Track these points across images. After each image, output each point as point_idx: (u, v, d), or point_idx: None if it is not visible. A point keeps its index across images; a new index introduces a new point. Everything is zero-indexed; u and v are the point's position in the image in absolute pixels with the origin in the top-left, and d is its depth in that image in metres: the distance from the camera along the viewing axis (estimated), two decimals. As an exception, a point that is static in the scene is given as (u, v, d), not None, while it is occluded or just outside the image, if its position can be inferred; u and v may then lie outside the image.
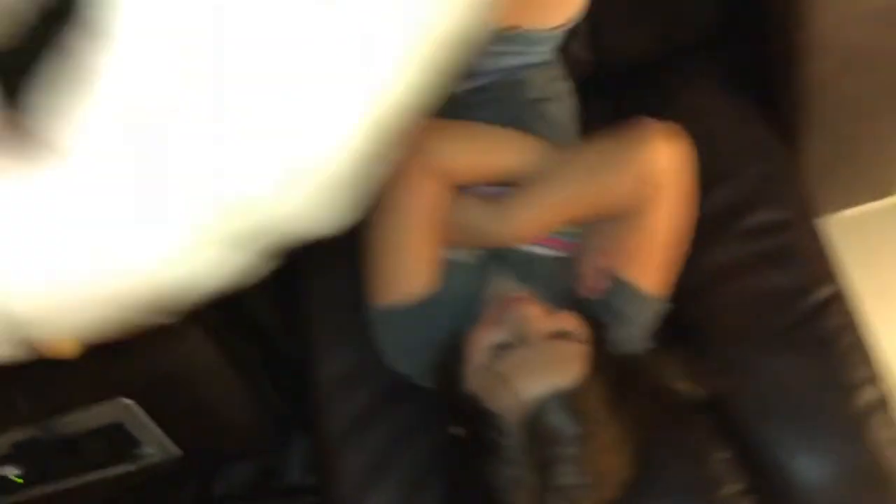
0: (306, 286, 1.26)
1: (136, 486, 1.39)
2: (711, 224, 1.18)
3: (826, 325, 1.10)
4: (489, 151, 1.05)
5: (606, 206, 1.02)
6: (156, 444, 1.28)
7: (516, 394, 0.91)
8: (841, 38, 1.08)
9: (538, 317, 0.96)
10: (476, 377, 0.96)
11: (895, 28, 1.07)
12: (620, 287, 1.02)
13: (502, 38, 1.08)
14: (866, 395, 1.07)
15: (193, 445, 1.30)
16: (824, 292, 1.12)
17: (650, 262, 1.03)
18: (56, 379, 1.11)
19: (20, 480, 1.24)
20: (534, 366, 0.93)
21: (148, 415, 1.23)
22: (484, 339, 0.97)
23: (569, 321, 0.97)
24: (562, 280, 1.05)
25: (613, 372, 0.95)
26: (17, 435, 1.22)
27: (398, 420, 1.15)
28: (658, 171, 1.00)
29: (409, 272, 1.04)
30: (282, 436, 1.40)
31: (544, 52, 1.14)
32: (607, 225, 1.03)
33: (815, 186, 1.23)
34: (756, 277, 1.15)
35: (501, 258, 1.06)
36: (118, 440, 1.23)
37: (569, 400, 0.90)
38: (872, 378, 1.08)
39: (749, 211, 1.18)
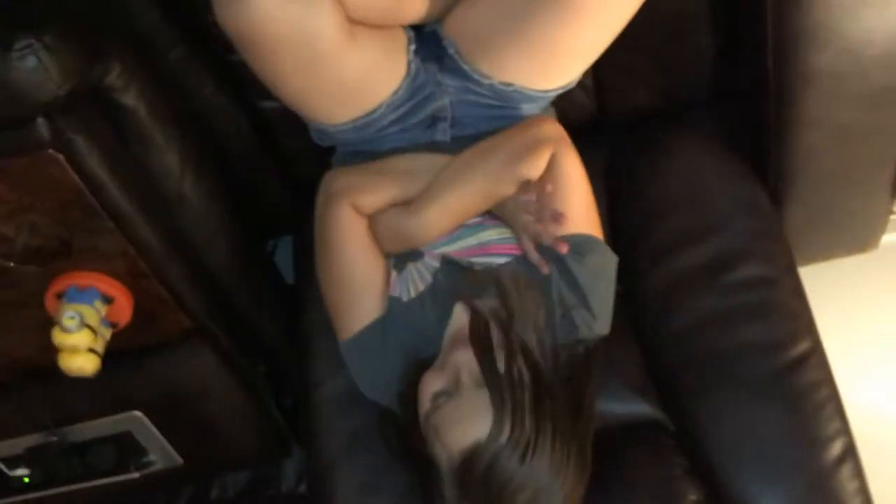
0: (307, 311, 1.32)
1: (134, 488, 1.45)
2: (697, 275, 1.24)
3: (801, 380, 1.16)
4: (396, 181, 1.09)
5: (507, 179, 1.06)
6: (160, 454, 1.33)
7: (444, 445, 0.95)
8: (829, 116, 1.13)
9: (472, 363, 0.97)
10: (423, 424, 0.99)
11: (880, 108, 1.13)
12: (567, 243, 1.03)
13: (496, 91, 1.12)
14: (835, 448, 1.13)
15: (196, 456, 1.36)
16: (801, 348, 1.18)
17: (580, 208, 1.07)
18: (74, 391, 1.17)
19: (27, 480, 1.29)
20: (459, 417, 0.94)
21: (156, 426, 1.29)
22: (428, 388, 0.99)
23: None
24: (531, 274, 1.06)
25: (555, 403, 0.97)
26: (31, 440, 1.27)
27: (391, 443, 1.20)
28: (547, 128, 1.10)
29: (354, 300, 1.08)
30: (281, 450, 1.46)
31: (536, 109, 1.17)
32: (523, 203, 1.05)
33: (793, 241, 1.29)
34: (736, 329, 1.20)
35: (460, 281, 1.06)
36: (125, 448, 1.29)
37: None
38: (841, 431, 1.15)
39: (735, 265, 1.23)
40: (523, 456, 0.92)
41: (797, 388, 1.16)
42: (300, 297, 1.34)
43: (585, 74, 1.19)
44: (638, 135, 1.37)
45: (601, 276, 1.08)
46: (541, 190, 1.04)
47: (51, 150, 0.95)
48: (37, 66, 0.85)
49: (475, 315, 0.99)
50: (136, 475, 1.28)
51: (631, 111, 1.38)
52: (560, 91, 1.16)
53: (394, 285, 1.09)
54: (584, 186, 1.09)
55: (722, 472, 1.15)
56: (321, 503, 1.22)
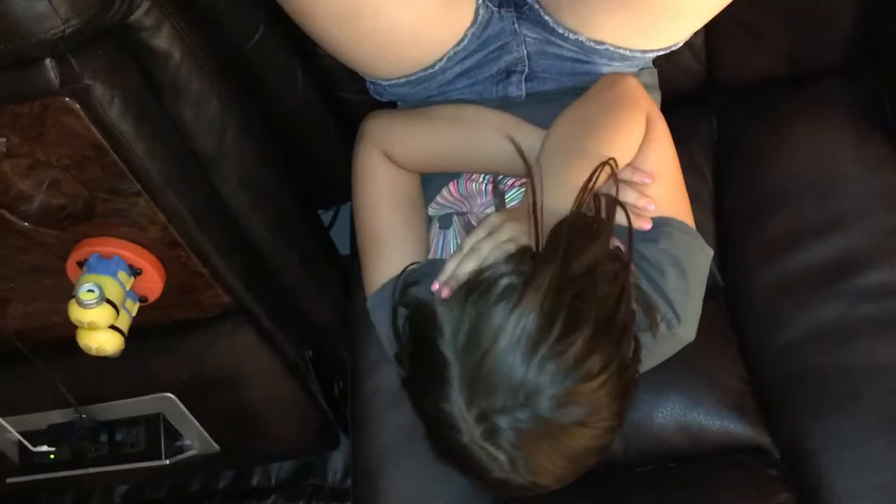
0: (362, 289, 1.19)
1: (170, 470, 1.36)
2: (819, 277, 1.08)
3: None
4: (435, 128, 0.98)
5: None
6: (195, 439, 1.24)
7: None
8: None
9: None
10: None
11: None
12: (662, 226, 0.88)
13: (583, 48, 0.97)
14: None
15: (234, 445, 1.26)
16: (940, 372, 1.00)
17: (665, 190, 0.91)
18: (100, 369, 1.07)
19: (52, 458, 1.21)
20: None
21: (190, 410, 1.19)
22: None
23: None
24: None
25: None
26: (55, 416, 1.19)
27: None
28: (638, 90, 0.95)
29: (377, 251, 0.98)
30: (327, 443, 1.34)
31: (629, 67, 1.02)
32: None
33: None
34: (864, 345, 1.03)
35: None
36: (157, 431, 1.20)
37: None
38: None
39: (865, 268, 1.06)
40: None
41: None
42: (355, 273, 1.21)
43: (696, 34, 1.01)
44: (754, 105, 1.19)
45: (690, 270, 0.89)
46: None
47: (64, 98, 0.82)
48: (36, -5, 0.71)
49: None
50: (166, 462, 1.18)
51: (747, 78, 1.20)
52: (662, 53, 1.00)
53: (436, 245, 0.97)
54: (672, 163, 0.93)
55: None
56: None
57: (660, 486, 1.05)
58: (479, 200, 0.98)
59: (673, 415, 1.06)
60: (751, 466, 1.04)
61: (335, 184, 1.33)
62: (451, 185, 0.99)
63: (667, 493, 1.03)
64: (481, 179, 0.98)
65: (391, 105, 1.10)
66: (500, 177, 0.96)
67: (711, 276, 1.13)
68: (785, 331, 1.06)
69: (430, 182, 1.01)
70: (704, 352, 1.02)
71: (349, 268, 1.25)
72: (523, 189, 0.92)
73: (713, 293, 1.13)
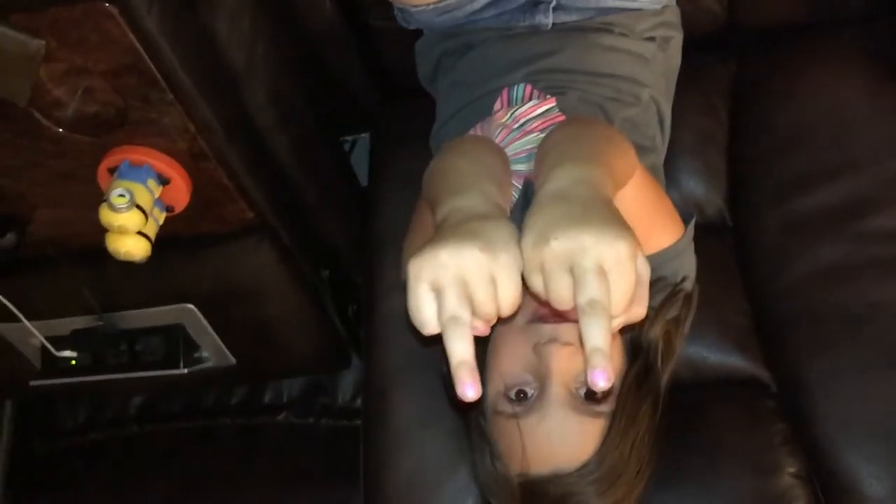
0: (379, 216, 1.21)
1: (188, 384, 1.39)
2: (827, 218, 1.09)
3: (937, 352, 1.01)
4: None
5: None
6: (213, 351, 1.26)
7: (508, 460, 0.81)
8: None
9: (568, 365, 0.79)
10: (489, 409, 0.84)
11: None
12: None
13: None
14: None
15: (250, 359, 1.28)
16: (942, 314, 1.02)
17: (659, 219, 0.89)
18: (124, 278, 1.09)
19: (74, 363, 1.24)
20: (541, 438, 0.78)
21: (209, 322, 1.21)
22: (499, 377, 0.83)
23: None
24: None
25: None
26: (79, 322, 1.21)
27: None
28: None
29: None
30: (340, 362, 1.37)
31: (654, 3, 1.03)
32: None
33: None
34: (866, 285, 1.05)
35: None
36: (176, 341, 1.22)
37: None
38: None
39: (873, 211, 1.08)
40: (605, 491, 0.78)
41: (931, 360, 1.00)
42: (371, 200, 1.24)
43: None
44: (774, 50, 1.20)
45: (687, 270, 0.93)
46: None
47: (105, 3, 0.84)
48: None
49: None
50: (184, 371, 1.21)
51: (768, 22, 1.21)
52: None
53: None
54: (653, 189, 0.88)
55: (828, 446, 1.01)
56: (374, 425, 1.14)
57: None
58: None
59: (677, 346, 1.09)
60: (749, 398, 1.06)
61: (356, 112, 1.35)
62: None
63: (668, 420, 1.07)
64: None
65: (416, 34, 1.11)
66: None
67: (720, 215, 1.17)
68: (790, 270, 1.08)
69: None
70: (709, 288, 1.03)
71: (366, 196, 1.27)
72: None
73: (720, 232, 1.16)
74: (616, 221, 0.60)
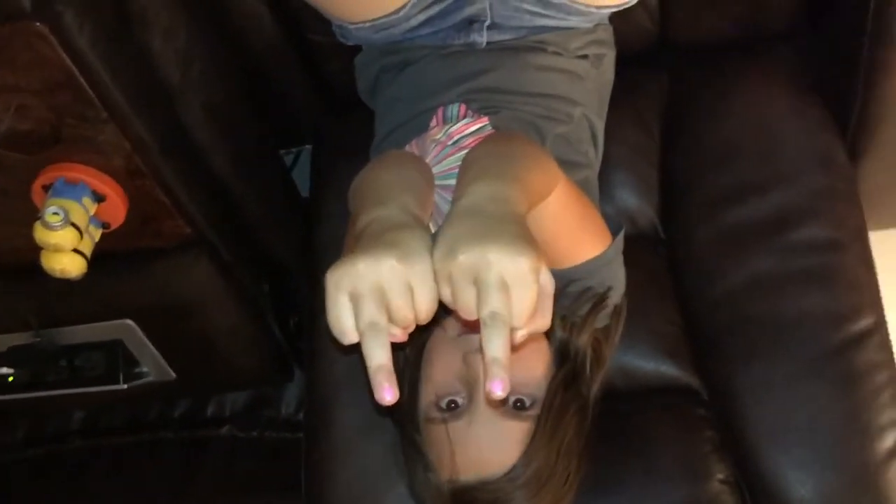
0: (320, 228, 1.22)
1: (129, 398, 1.38)
2: (755, 231, 1.13)
3: (859, 360, 1.04)
4: None
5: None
6: (153, 366, 1.26)
7: (439, 466, 0.84)
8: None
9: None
10: (421, 420, 0.87)
11: None
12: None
13: (544, 1, 0.99)
14: (888, 441, 1.02)
15: (190, 373, 1.28)
16: (863, 324, 1.06)
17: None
18: (61, 294, 1.08)
19: (11, 380, 1.23)
20: (470, 444, 0.81)
21: (148, 337, 1.21)
22: (431, 388, 0.86)
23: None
24: None
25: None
26: (16, 338, 1.20)
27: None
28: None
29: None
30: (282, 375, 1.37)
31: (586, 22, 1.05)
32: None
33: (867, 203, 1.15)
34: (792, 296, 1.08)
35: None
36: (116, 357, 1.22)
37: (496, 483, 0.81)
38: (896, 422, 1.04)
39: (798, 223, 1.11)
40: (533, 497, 0.80)
41: (854, 368, 1.04)
42: (313, 212, 1.24)
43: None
44: (703, 67, 1.23)
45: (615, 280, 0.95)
46: None
47: (35, 22, 0.83)
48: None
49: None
50: (124, 386, 1.21)
51: (698, 39, 1.24)
52: (617, 8, 1.04)
53: None
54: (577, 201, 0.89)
55: (756, 452, 1.04)
56: (316, 437, 1.15)
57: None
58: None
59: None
60: (680, 405, 1.09)
61: (298, 125, 1.36)
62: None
63: (601, 428, 1.09)
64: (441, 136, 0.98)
65: (356, 49, 1.12)
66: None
67: (652, 228, 1.19)
68: (721, 281, 1.11)
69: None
70: (642, 299, 1.07)
71: (309, 209, 1.28)
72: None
73: (654, 244, 1.18)
74: (521, 238, 0.62)
